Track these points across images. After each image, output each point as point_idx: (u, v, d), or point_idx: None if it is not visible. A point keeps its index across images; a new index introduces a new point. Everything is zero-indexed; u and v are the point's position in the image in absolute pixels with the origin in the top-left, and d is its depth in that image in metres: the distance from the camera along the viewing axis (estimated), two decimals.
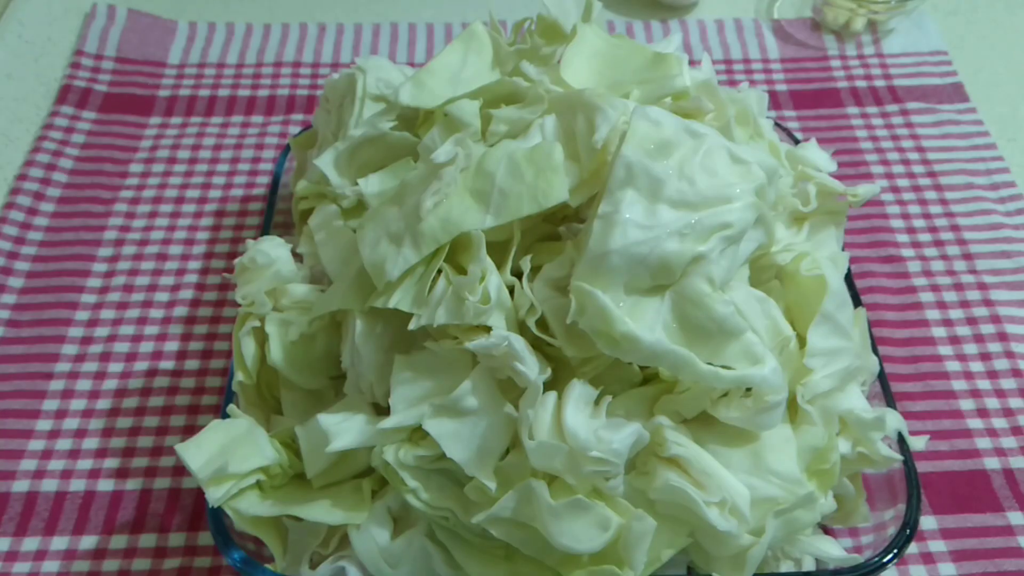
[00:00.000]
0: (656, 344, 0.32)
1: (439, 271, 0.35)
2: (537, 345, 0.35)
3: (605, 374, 0.35)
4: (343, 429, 0.35)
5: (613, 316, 0.32)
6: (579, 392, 0.34)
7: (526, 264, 0.36)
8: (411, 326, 0.35)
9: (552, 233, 0.40)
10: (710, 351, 0.33)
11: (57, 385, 0.50)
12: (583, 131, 0.37)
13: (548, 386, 0.34)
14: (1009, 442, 0.48)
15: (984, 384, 0.50)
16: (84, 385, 0.50)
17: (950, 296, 0.54)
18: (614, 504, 0.34)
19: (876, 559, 0.36)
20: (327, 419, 0.36)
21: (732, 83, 0.66)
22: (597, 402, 0.34)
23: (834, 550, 0.38)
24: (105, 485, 0.46)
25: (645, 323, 0.33)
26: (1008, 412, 0.49)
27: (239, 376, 0.40)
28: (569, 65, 0.42)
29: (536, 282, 0.35)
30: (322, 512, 0.36)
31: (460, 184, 0.36)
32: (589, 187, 0.37)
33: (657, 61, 0.42)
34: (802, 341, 0.38)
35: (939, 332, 0.52)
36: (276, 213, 0.50)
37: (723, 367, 0.33)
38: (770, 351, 0.34)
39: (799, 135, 0.56)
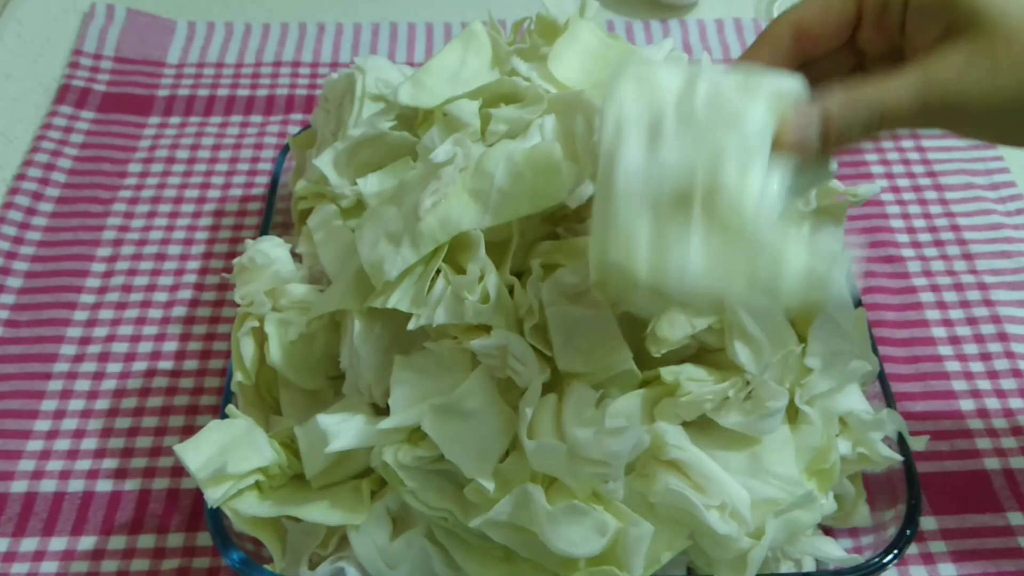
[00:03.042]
0: (687, 283, 0.28)
1: (438, 271, 0.35)
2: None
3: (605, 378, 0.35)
4: (342, 430, 0.35)
5: (638, 256, 0.28)
6: (579, 394, 0.34)
7: (535, 264, 0.36)
8: (410, 326, 0.35)
9: (551, 233, 0.40)
10: (753, 265, 0.28)
11: (56, 385, 0.50)
12: (582, 132, 0.37)
13: (547, 388, 0.34)
14: (1009, 442, 0.48)
15: (984, 384, 0.50)
16: (83, 385, 0.50)
17: (950, 296, 0.54)
18: (612, 508, 0.34)
19: (876, 559, 0.36)
20: (326, 419, 0.36)
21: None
22: (597, 405, 0.34)
23: (834, 551, 0.38)
24: (104, 486, 0.46)
25: (675, 257, 0.28)
26: (1008, 412, 0.49)
27: (238, 376, 0.40)
28: (558, 58, 0.42)
29: (547, 283, 0.35)
30: (321, 513, 0.36)
31: (459, 184, 0.36)
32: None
33: None
34: (802, 341, 0.38)
35: (939, 332, 0.52)
36: (275, 213, 0.50)
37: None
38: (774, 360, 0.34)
39: None
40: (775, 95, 0.29)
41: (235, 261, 0.42)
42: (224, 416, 0.38)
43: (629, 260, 0.28)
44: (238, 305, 0.41)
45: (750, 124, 0.28)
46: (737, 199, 0.28)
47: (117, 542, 0.44)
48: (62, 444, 0.47)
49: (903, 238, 0.57)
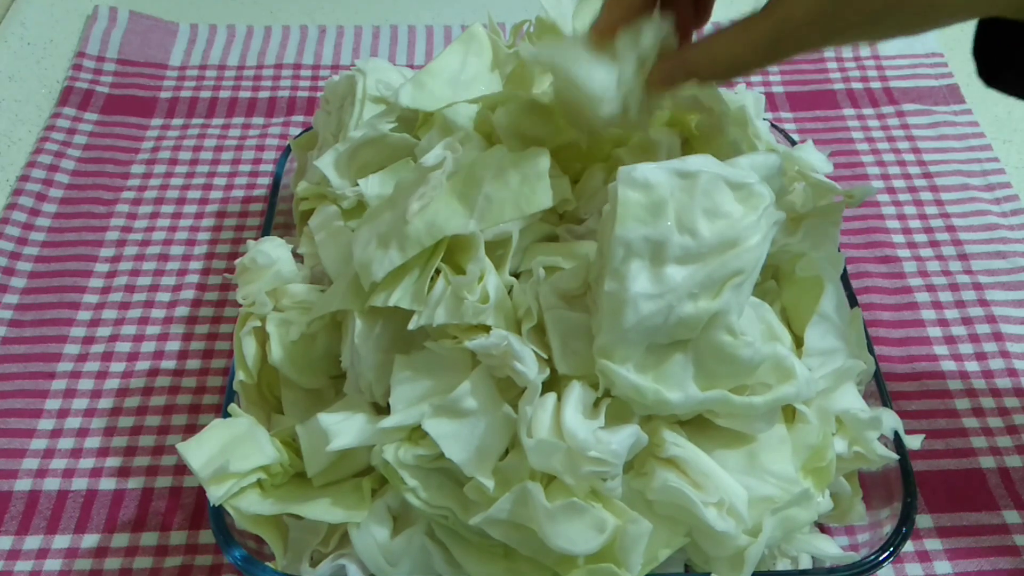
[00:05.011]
0: (688, 400, 0.33)
1: (438, 271, 0.35)
2: None
3: None
4: (343, 428, 0.36)
5: (644, 388, 0.33)
6: (578, 393, 0.34)
7: (538, 268, 0.36)
8: (411, 326, 0.35)
9: (551, 234, 0.40)
10: (741, 381, 0.34)
11: (59, 384, 0.50)
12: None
13: (546, 387, 0.35)
14: (1004, 441, 0.48)
15: (979, 383, 0.50)
16: (86, 384, 0.50)
17: (946, 296, 0.54)
18: (611, 506, 0.34)
19: (872, 557, 0.36)
20: (327, 418, 0.36)
21: (729, 85, 0.67)
22: (596, 404, 0.35)
23: (831, 548, 0.38)
24: (107, 484, 0.46)
25: (674, 382, 0.33)
26: (1003, 411, 0.49)
27: (240, 375, 0.40)
28: None
29: (544, 286, 0.35)
30: (322, 510, 0.36)
31: (446, 188, 0.36)
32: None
33: None
34: (799, 341, 0.39)
35: (935, 332, 0.53)
36: (277, 214, 0.50)
37: (756, 384, 0.34)
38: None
39: (795, 137, 0.56)
40: (770, 211, 0.33)
41: (237, 261, 0.42)
42: (226, 415, 0.38)
43: (632, 376, 0.32)
44: (240, 305, 0.41)
45: (746, 254, 0.32)
46: (729, 326, 0.32)
47: (120, 540, 0.44)
48: (65, 443, 0.48)
49: (899, 239, 0.57)
